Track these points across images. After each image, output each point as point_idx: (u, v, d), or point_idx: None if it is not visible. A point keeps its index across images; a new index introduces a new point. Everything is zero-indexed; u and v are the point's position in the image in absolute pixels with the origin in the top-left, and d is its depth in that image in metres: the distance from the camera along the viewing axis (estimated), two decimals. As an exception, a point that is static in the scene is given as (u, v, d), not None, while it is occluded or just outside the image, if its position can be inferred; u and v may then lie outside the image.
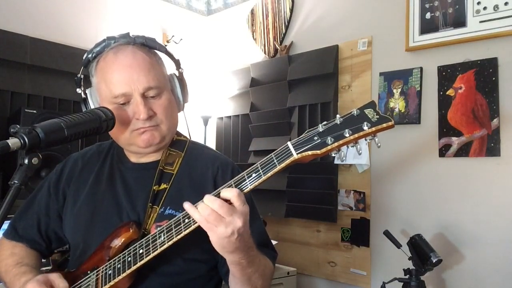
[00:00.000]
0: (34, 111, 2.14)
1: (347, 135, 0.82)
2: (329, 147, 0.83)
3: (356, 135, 0.82)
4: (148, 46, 1.12)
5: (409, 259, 1.93)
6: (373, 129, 0.82)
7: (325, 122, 0.86)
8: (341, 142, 0.83)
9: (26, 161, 0.84)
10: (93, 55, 1.10)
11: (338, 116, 0.85)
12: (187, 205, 0.89)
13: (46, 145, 0.86)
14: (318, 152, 0.83)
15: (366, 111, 0.85)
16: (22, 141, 0.82)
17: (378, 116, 0.83)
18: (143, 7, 3.04)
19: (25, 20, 2.47)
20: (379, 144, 0.84)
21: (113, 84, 1.05)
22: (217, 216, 0.85)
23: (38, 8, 2.53)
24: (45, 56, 2.47)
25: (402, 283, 1.91)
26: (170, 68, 1.20)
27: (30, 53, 2.42)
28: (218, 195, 0.89)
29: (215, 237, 0.86)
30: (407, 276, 1.90)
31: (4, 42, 2.32)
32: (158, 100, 1.08)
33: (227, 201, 0.87)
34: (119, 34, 1.12)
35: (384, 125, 0.82)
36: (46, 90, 2.47)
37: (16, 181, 0.83)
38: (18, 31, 2.40)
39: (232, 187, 0.89)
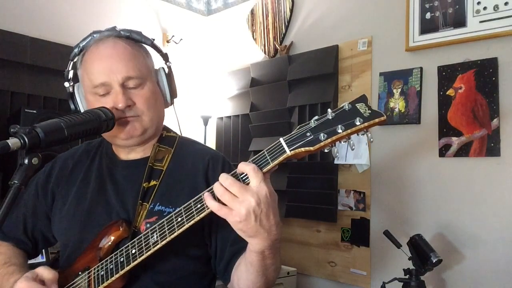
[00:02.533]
0: (34, 111, 2.13)
1: (339, 131, 0.81)
2: (322, 144, 0.82)
3: (348, 131, 0.81)
4: (133, 39, 1.11)
5: (409, 259, 1.92)
6: (366, 124, 0.81)
7: (316, 117, 0.85)
8: (334, 138, 0.81)
9: (26, 161, 0.84)
10: (79, 49, 1.11)
11: (329, 110, 0.84)
12: (205, 194, 0.87)
13: (46, 145, 0.86)
14: (311, 148, 0.82)
15: (358, 105, 0.83)
16: (22, 141, 0.82)
17: (370, 111, 0.82)
18: (143, 7, 3.05)
19: (25, 20, 2.47)
20: (372, 139, 0.84)
21: (93, 74, 1.06)
22: (230, 196, 0.82)
23: (38, 8, 2.54)
24: (45, 56, 2.48)
25: (402, 283, 1.90)
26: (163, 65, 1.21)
27: (30, 53, 2.42)
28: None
29: (232, 220, 0.84)
30: (407, 276, 1.89)
31: (4, 42, 2.33)
32: (140, 90, 1.07)
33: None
34: (106, 28, 1.13)
35: (377, 120, 0.81)
36: (46, 90, 2.47)
37: (16, 181, 0.83)
38: (18, 31, 2.41)
39: None
